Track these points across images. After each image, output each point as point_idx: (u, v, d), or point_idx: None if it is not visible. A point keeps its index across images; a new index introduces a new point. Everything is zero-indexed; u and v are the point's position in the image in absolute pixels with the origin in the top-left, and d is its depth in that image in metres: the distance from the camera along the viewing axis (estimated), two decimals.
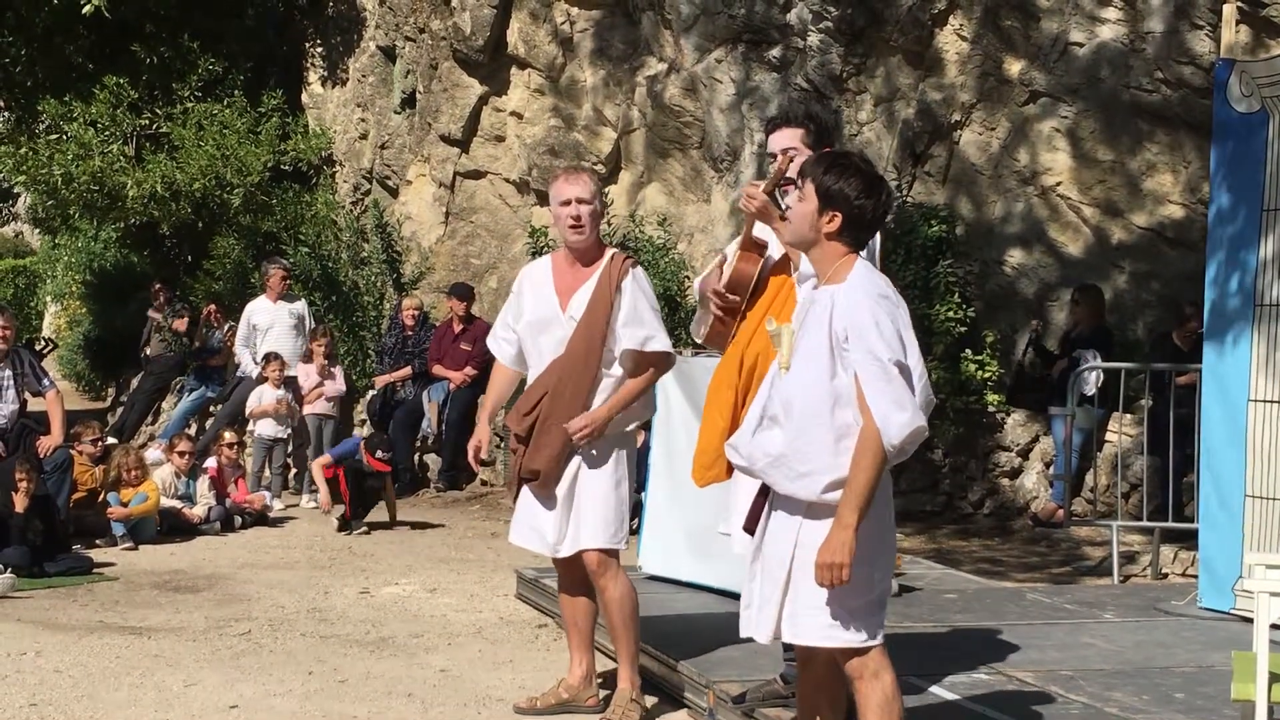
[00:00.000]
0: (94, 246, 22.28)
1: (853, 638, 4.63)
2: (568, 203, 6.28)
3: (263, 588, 9.43)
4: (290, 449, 13.88)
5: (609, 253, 6.36)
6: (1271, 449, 7.67)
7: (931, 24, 12.81)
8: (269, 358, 13.67)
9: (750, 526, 4.90)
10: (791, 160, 5.89)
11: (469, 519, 12.66)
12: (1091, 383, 11.12)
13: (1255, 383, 7.76)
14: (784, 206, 5.77)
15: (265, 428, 13.33)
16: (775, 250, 5.94)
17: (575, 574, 6.42)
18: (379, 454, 12.09)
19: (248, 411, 13.59)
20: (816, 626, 4.64)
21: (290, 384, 13.66)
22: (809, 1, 13.26)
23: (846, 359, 4.58)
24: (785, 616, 4.69)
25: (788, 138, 6.00)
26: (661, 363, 6.35)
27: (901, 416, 4.48)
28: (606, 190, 14.40)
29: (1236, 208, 7.91)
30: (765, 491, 4.88)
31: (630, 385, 6.28)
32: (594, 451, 6.25)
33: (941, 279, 12.15)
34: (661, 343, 6.27)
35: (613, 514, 6.24)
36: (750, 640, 4.90)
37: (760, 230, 5.96)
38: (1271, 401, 7.66)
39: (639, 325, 6.23)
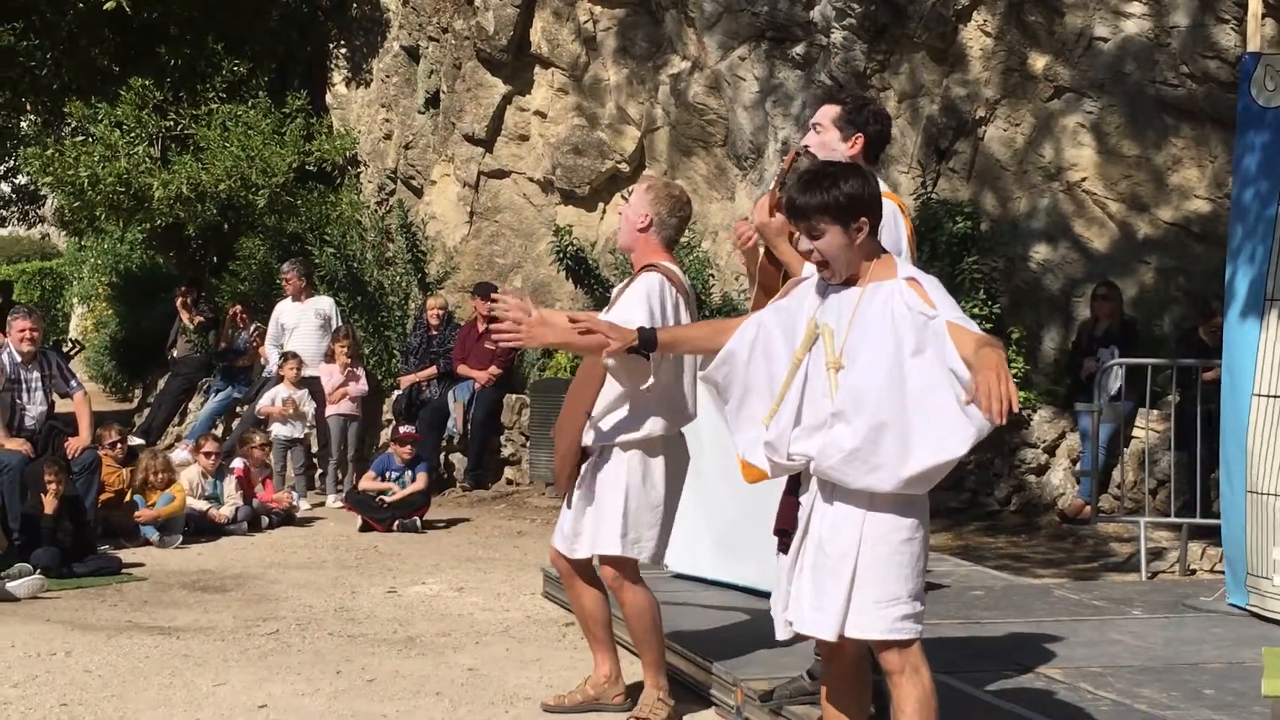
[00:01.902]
0: (120, 248, 22.38)
1: (913, 628, 4.65)
2: None
3: (290, 587, 9.46)
4: (316, 449, 13.92)
5: (648, 262, 6.27)
6: (1272, 444, 7.63)
7: (955, 20, 12.79)
8: (286, 357, 13.73)
9: (784, 527, 4.87)
10: (798, 156, 5.89)
11: (495, 518, 12.68)
12: (1120, 377, 11.09)
13: (1260, 377, 7.72)
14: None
15: (280, 428, 13.37)
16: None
17: (580, 575, 6.41)
18: (402, 430, 12.55)
19: (258, 410, 13.64)
20: (884, 620, 4.63)
21: (312, 384, 13.69)
22: None
23: (933, 325, 4.55)
24: (852, 612, 4.65)
25: (820, 113, 6.00)
26: (631, 369, 5.88)
27: None
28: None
29: (1256, 201, 7.87)
30: (793, 491, 4.86)
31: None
32: (598, 459, 6.22)
33: (966, 275, 12.12)
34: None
35: (609, 521, 6.16)
36: (779, 638, 4.89)
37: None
38: (1274, 396, 7.62)
39: (614, 316, 6.01)
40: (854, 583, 4.64)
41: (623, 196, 6.55)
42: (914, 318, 4.58)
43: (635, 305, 6.07)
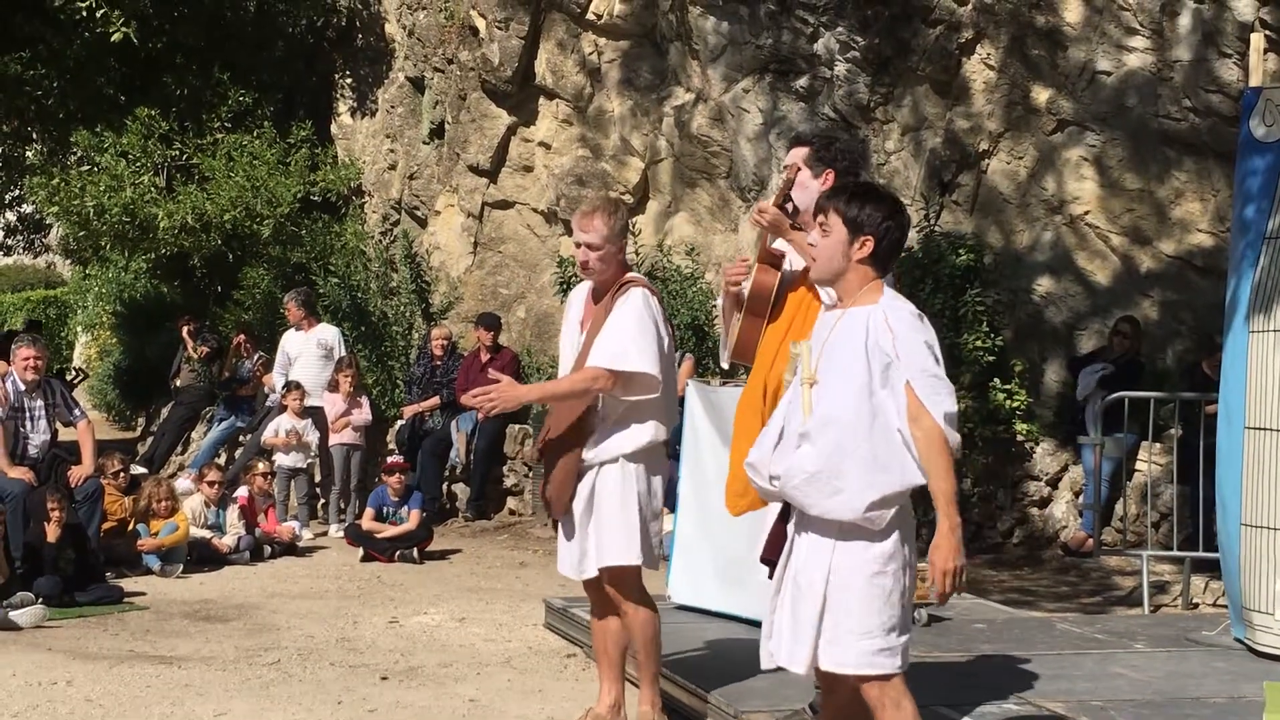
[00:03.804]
0: (125, 277, 22.43)
1: (888, 664, 4.64)
2: (579, 245, 6.37)
3: (292, 617, 9.45)
4: (319, 479, 13.92)
5: (624, 279, 6.36)
6: (1263, 477, 7.63)
7: (959, 53, 12.83)
8: (289, 386, 13.74)
9: (770, 556, 4.89)
10: (799, 170, 6.04)
11: (497, 548, 12.67)
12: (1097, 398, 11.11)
13: (1249, 410, 7.74)
14: (791, 211, 6.05)
15: (283, 457, 13.36)
16: (794, 262, 6.01)
17: (603, 599, 6.43)
18: (390, 460, 12.66)
19: (262, 441, 13.64)
20: (856, 653, 4.63)
21: (316, 414, 13.70)
22: (836, 31, 13.31)
23: (892, 373, 4.60)
24: (823, 644, 4.67)
25: (791, 156, 6.22)
26: (639, 383, 6.13)
27: (955, 434, 4.61)
28: (634, 220, 14.43)
29: (1248, 235, 7.89)
30: (785, 518, 4.88)
31: (564, 382, 6.24)
32: (600, 473, 6.27)
33: (969, 308, 12.14)
34: (634, 362, 6.08)
35: (623, 532, 6.21)
36: (778, 670, 4.89)
37: (777, 243, 6.09)
38: (1261, 429, 7.63)
39: (611, 342, 6.16)
40: (824, 615, 4.66)
41: (585, 240, 6.54)
42: (880, 357, 4.65)
43: (634, 329, 6.15)
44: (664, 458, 6.45)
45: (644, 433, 6.24)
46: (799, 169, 6.09)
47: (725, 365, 6.57)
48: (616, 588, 6.31)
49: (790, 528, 4.84)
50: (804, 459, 4.67)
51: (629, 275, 6.36)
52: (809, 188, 6.02)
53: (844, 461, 4.60)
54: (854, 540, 4.63)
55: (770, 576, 4.95)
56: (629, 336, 6.14)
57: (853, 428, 4.61)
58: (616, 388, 6.14)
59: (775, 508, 5.16)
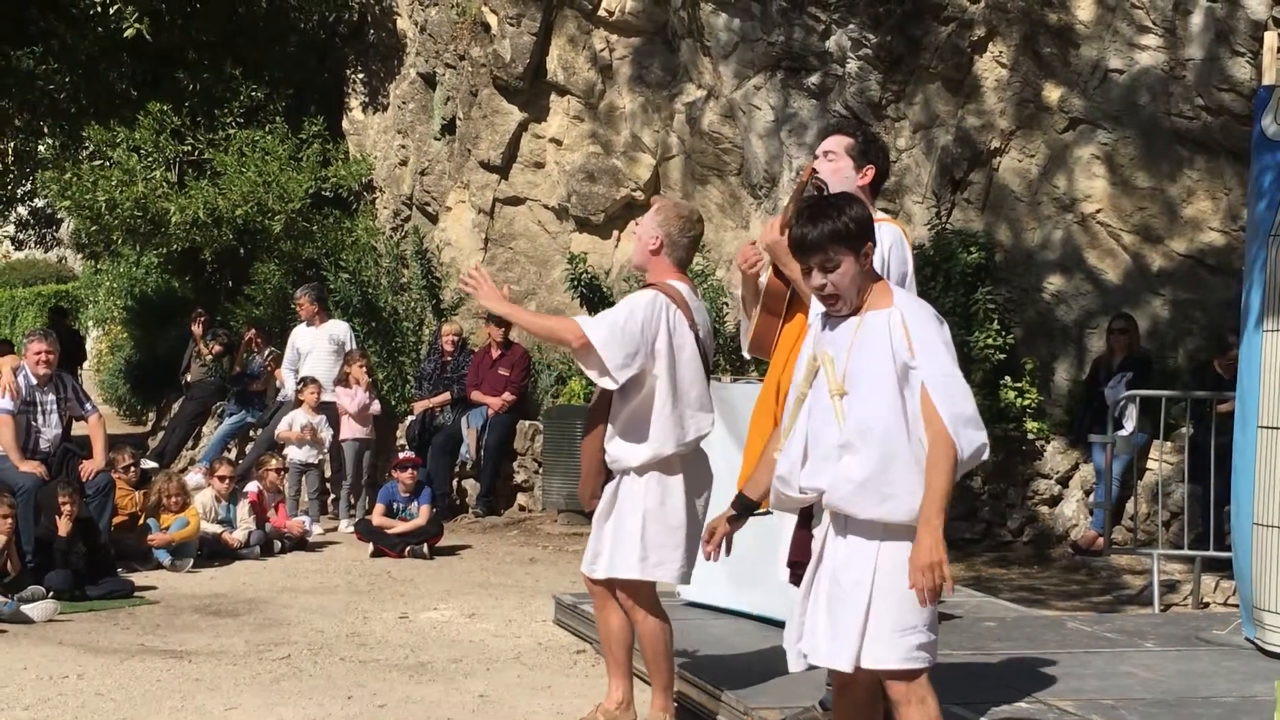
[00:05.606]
0: (136, 272, 22.47)
1: (926, 657, 4.69)
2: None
3: (302, 612, 9.46)
4: (330, 474, 13.93)
5: (649, 281, 6.37)
6: (1275, 476, 7.62)
7: (970, 51, 12.82)
8: (305, 382, 13.75)
9: (796, 559, 4.90)
10: (814, 171, 5.98)
11: (507, 544, 12.68)
12: (1133, 416, 11.08)
13: (1263, 408, 7.72)
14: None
15: (296, 452, 13.38)
16: None
17: (603, 598, 6.44)
18: (401, 455, 12.67)
19: (276, 435, 13.66)
20: (898, 650, 4.66)
21: (329, 409, 13.70)
22: (848, 28, 13.30)
23: (913, 375, 4.60)
24: (868, 642, 4.69)
25: (832, 142, 6.11)
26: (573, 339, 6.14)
27: (973, 433, 4.59)
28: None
29: (1260, 234, 7.88)
30: (805, 524, 4.89)
31: (542, 319, 6.33)
32: (621, 481, 6.28)
33: (980, 306, 12.14)
34: (593, 332, 6.06)
35: (627, 544, 6.21)
36: (798, 669, 4.90)
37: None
38: (1274, 428, 7.61)
39: (599, 315, 6.24)
40: (869, 613, 4.67)
41: (637, 224, 6.58)
42: (901, 361, 4.65)
43: (601, 319, 6.18)
44: (693, 467, 6.33)
45: (647, 444, 6.19)
46: (813, 170, 6.04)
47: (746, 355, 6.57)
48: (626, 599, 6.35)
49: (820, 531, 4.84)
50: (849, 469, 4.67)
51: (660, 280, 6.32)
52: (848, 179, 5.97)
53: (891, 466, 4.62)
54: (897, 540, 4.65)
55: (794, 580, 4.96)
56: (608, 314, 6.20)
57: (893, 433, 4.63)
58: (588, 359, 6.11)
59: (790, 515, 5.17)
